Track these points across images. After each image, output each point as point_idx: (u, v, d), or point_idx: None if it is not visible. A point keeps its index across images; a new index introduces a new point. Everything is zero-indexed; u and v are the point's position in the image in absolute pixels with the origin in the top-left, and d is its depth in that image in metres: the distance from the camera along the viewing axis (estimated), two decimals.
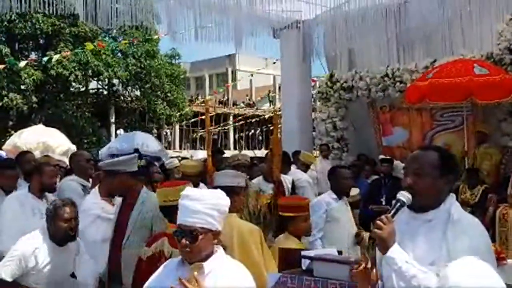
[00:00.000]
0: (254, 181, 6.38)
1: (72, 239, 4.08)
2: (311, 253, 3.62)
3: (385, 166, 9.06)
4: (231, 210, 4.06)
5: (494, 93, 7.87)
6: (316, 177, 10.07)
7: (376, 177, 9.39)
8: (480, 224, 2.42)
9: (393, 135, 10.43)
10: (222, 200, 2.60)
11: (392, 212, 2.30)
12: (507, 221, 7.45)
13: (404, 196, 2.34)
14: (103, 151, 11.30)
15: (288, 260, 3.80)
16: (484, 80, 7.79)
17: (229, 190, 3.59)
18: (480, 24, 8.90)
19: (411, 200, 2.33)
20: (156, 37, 21.09)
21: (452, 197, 2.42)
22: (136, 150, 10.55)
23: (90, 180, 5.87)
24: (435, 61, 9.30)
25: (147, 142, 11.47)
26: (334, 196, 5.44)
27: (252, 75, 32.51)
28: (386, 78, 9.99)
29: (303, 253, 3.60)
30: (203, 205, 2.50)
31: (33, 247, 3.94)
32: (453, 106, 8.98)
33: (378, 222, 2.26)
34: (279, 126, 9.85)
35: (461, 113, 8.94)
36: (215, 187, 3.61)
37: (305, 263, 3.56)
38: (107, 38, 26.10)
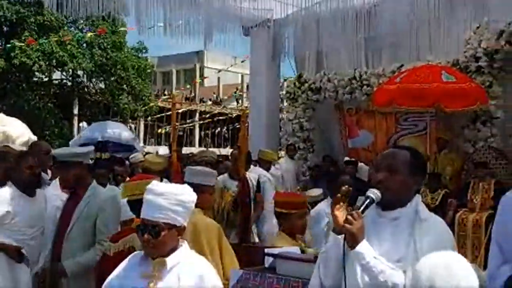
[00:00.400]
0: (219, 178, 6.33)
1: (37, 186, 4.26)
2: (274, 250, 3.61)
3: (349, 167, 9.14)
4: (197, 207, 4.08)
5: (460, 101, 8.01)
6: (282, 176, 10.12)
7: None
8: (445, 224, 2.47)
9: (359, 138, 10.53)
10: (188, 195, 2.57)
11: (362, 208, 2.31)
12: (466, 225, 7.62)
13: (373, 193, 2.35)
14: (75, 141, 11.09)
15: (251, 258, 3.78)
16: (451, 87, 7.93)
17: (198, 188, 3.59)
18: (447, 32, 9.05)
19: (380, 197, 2.34)
20: (123, 29, 20.83)
21: (418, 197, 2.46)
22: (101, 142, 10.42)
23: (49, 172, 5.76)
24: (402, 66, 9.41)
25: (120, 131, 11.33)
26: None
27: (220, 72, 32.42)
28: (353, 81, 10.08)
29: (266, 250, 3.59)
30: (168, 200, 2.46)
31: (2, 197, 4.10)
32: (417, 111, 9.11)
33: (349, 217, 2.27)
34: (246, 125, 9.83)
35: (424, 119, 9.09)
36: (184, 183, 3.56)
37: (268, 261, 3.55)
38: (72, 29, 25.65)
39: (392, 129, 10.11)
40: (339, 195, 2.37)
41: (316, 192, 7.52)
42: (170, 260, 2.46)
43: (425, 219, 2.38)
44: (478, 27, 8.59)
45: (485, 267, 2.65)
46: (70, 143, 10.69)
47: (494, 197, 7.60)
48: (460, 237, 7.66)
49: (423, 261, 1.93)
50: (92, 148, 4.75)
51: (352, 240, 2.25)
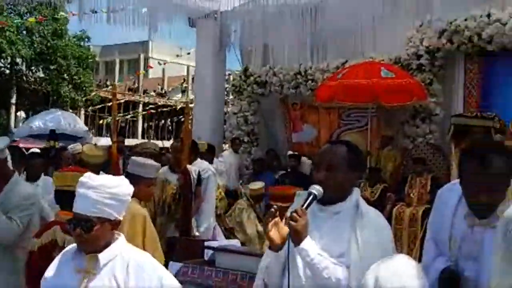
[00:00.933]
0: (160, 171, 6.22)
1: None
2: (214, 243, 3.58)
3: (292, 161, 9.21)
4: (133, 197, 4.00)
5: (398, 96, 8.19)
6: (226, 170, 10.08)
7: (283, 172, 9.52)
8: (383, 218, 2.52)
9: (303, 132, 10.61)
10: (123, 188, 2.47)
11: (305, 205, 2.31)
12: (403, 219, 7.81)
13: (315, 189, 2.35)
14: (21, 131, 10.69)
15: (191, 251, 3.73)
16: (389, 83, 8.10)
17: (136, 179, 3.53)
18: (390, 29, 9.23)
19: (322, 193, 2.34)
20: (63, 14, 20.19)
21: (357, 191, 2.48)
22: (53, 131, 10.10)
23: None
24: (346, 62, 9.53)
25: (75, 122, 11.01)
26: None
27: (165, 63, 31.99)
28: (298, 76, 10.12)
29: (205, 243, 3.55)
30: (101, 194, 2.38)
31: None
32: (359, 107, 9.26)
33: (294, 214, 2.25)
34: (190, 117, 9.74)
35: (366, 114, 9.23)
36: (125, 173, 3.48)
37: (207, 254, 3.52)
38: (12, 15, 24.69)
39: (335, 124, 10.24)
40: (269, 217, 2.31)
41: (257, 185, 7.54)
42: (104, 254, 2.38)
43: (366, 213, 2.41)
44: (420, 26, 8.77)
45: (420, 260, 2.70)
46: (14, 133, 10.32)
47: (430, 192, 7.83)
48: (397, 230, 7.84)
49: (372, 266, 1.94)
50: (7, 141, 4.48)
51: (297, 237, 2.25)
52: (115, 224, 2.44)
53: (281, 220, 2.29)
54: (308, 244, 2.26)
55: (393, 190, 8.27)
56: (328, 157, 2.43)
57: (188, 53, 23.29)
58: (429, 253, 2.63)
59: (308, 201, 2.32)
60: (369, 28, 9.39)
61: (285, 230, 2.26)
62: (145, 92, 36.45)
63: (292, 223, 2.24)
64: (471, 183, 2.35)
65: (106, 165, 6.39)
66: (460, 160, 2.46)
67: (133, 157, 4.39)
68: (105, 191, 2.38)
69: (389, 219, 7.91)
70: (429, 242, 2.66)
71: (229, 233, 7.13)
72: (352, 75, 8.42)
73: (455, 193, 2.51)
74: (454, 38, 8.27)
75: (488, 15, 7.97)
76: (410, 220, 7.69)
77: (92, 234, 2.36)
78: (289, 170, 9.26)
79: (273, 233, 2.28)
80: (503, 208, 2.33)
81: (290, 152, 9.68)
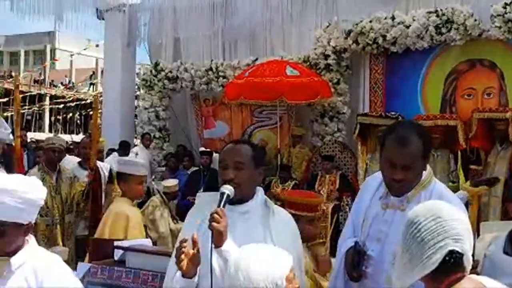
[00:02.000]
0: (68, 167, 6.02)
1: None
2: (125, 243, 3.52)
3: (204, 158, 9.20)
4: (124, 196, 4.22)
5: (302, 95, 8.42)
6: None
7: (195, 168, 9.49)
8: (291, 216, 2.62)
9: (215, 129, 10.62)
10: (37, 193, 2.37)
11: (222, 205, 2.31)
12: None
13: (228, 189, 2.35)
14: None
15: (101, 251, 3.64)
16: (294, 81, 8.30)
17: (127, 177, 3.91)
18: (299, 28, 9.43)
19: (234, 192, 2.36)
20: None
21: (261, 189, 2.52)
22: None
23: None
24: (256, 59, 9.63)
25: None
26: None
27: (72, 55, 30.88)
28: (210, 72, 10.10)
29: (115, 243, 3.48)
30: (14, 199, 2.27)
31: None
32: (271, 105, 9.40)
33: (215, 215, 2.25)
34: (100, 110, 9.48)
35: (277, 112, 9.38)
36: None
37: (118, 254, 3.45)
38: None
39: (247, 121, 10.34)
40: (179, 255, 2.23)
41: (171, 182, 7.47)
42: (15, 258, 2.30)
43: (278, 212, 2.47)
44: (328, 26, 9.00)
45: (332, 256, 2.82)
46: None
47: (339, 189, 8.10)
48: None
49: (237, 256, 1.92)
50: None
51: (219, 239, 2.24)
52: (28, 228, 2.36)
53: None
54: (230, 244, 2.27)
55: (303, 186, 8.46)
56: (235, 156, 2.44)
57: (97, 45, 22.60)
58: (344, 235, 2.79)
59: (223, 201, 2.31)
60: (279, 26, 9.56)
61: (195, 256, 2.22)
62: (51, 84, 35.02)
63: (215, 224, 2.23)
64: (390, 159, 2.51)
65: (9, 161, 6.10)
66: (381, 139, 2.61)
67: (121, 157, 4.38)
68: (19, 196, 2.29)
69: None
70: (348, 226, 2.82)
71: None
72: (258, 73, 8.56)
73: (377, 179, 2.69)
74: (360, 39, 8.56)
75: (392, 17, 8.33)
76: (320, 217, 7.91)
77: (5, 239, 2.28)
78: (201, 167, 9.25)
79: (186, 266, 2.23)
80: (415, 194, 2.52)
81: (202, 149, 9.66)
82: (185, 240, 2.25)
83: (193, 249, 2.24)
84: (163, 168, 10.17)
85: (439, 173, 7.40)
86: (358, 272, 2.56)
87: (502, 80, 7.96)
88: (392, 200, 2.58)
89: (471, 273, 1.75)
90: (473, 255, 1.81)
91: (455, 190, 6.55)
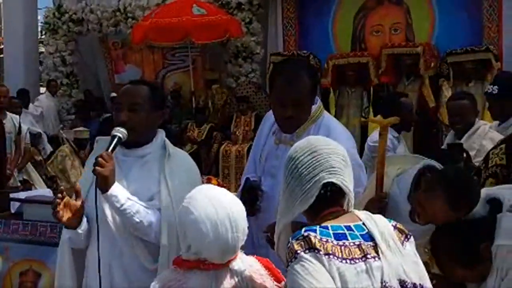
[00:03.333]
0: None
1: None
2: (21, 194, 3.32)
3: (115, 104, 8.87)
4: None
5: (210, 33, 8.25)
6: (42, 114, 9.47)
7: (107, 115, 9.16)
8: (190, 157, 2.49)
9: (126, 73, 10.23)
10: None
11: (111, 148, 2.19)
12: (229, 157, 8.06)
13: (120, 131, 2.23)
14: None
15: None
16: (201, 20, 8.12)
17: None
18: None
19: (126, 135, 2.23)
20: None
21: (162, 132, 2.41)
22: None
23: None
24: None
25: None
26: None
27: None
28: (117, 13, 9.61)
29: (11, 195, 3.29)
30: None
31: None
32: (183, 47, 9.14)
33: (100, 159, 2.13)
34: (1, 55, 8.89)
35: (190, 54, 9.14)
36: None
37: (14, 206, 3.26)
38: None
39: (160, 64, 10.05)
40: (56, 204, 2.16)
41: (82, 130, 7.22)
42: None
43: (174, 154, 2.36)
44: None
45: None
46: None
47: (254, 129, 8.09)
48: (224, 168, 8.08)
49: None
50: None
51: (104, 184, 2.13)
52: None
53: None
54: (117, 189, 2.16)
55: (219, 129, 8.42)
56: (129, 97, 2.31)
57: None
58: (245, 172, 2.79)
59: (113, 144, 2.19)
60: None
61: (76, 206, 2.17)
62: None
63: (99, 169, 2.12)
64: (279, 97, 2.51)
65: None
66: (272, 75, 2.63)
67: None
68: None
69: (216, 157, 8.15)
70: (249, 163, 2.82)
71: (51, 182, 6.77)
72: (164, 14, 8.33)
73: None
74: None
75: None
76: (237, 157, 7.96)
77: None
78: (113, 113, 8.93)
79: (66, 217, 2.16)
80: (304, 128, 2.53)
81: (113, 94, 9.30)
82: (61, 191, 2.17)
83: (76, 199, 2.16)
84: (73, 116, 9.77)
85: (352, 109, 7.59)
86: (252, 208, 2.52)
87: (409, 15, 8.09)
88: (283, 136, 2.60)
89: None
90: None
91: (367, 125, 6.79)
